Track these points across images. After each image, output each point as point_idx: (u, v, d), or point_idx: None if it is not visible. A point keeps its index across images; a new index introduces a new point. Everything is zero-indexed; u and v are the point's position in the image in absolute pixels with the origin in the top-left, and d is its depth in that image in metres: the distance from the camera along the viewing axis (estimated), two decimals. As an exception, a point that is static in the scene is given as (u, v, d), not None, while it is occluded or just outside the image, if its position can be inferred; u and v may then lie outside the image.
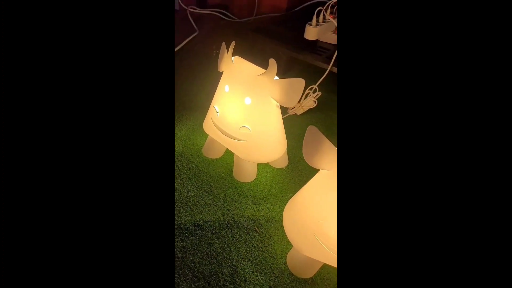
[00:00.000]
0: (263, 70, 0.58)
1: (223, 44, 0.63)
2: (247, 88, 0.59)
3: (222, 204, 0.64)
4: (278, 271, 0.53)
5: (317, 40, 1.05)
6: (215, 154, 0.74)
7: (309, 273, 0.53)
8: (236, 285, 0.51)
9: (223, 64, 0.62)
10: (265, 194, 0.67)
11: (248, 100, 0.59)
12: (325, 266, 0.54)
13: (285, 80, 0.56)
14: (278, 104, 0.60)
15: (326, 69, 0.92)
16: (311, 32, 0.99)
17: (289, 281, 0.52)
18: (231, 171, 0.71)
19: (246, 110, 0.60)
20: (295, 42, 1.03)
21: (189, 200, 0.63)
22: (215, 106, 0.65)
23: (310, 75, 0.93)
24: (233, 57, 0.62)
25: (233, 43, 0.61)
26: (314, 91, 0.89)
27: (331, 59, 0.91)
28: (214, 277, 0.52)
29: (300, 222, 0.49)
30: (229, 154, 0.75)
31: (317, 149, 0.45)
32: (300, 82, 0.55)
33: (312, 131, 0.45)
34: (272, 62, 0.54)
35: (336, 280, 0.53)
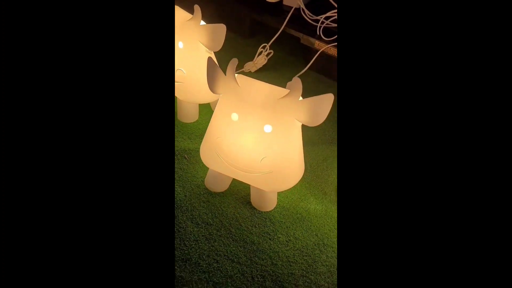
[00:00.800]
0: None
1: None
2: (178, 33, 0.67)
3: (162, 137, 0.74)
4: (196, 186, 0.64)
5: (281, 4, 1.11)
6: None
7: (220, 188, 0.63)
8: (157, 194, 0.62)
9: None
10: (202, 132, 0.77)
11: (180, 44, 0.68)
12: (236, 184, 0.64)
13: (209, 26, 0.64)
14: (208, 50, 0.69)
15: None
16: (271, -7, 1.05)
17: (202, 193, 0.63)
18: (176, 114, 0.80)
19: (179, 53, 0.69)
20: (258, 5, 1.09)
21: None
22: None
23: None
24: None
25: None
26: (266, 50, 0.97)
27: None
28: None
29: (207, 143, 0.59)
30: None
31: (214, 78, 0.54)
32: (221, 27, 0.63)
33: (210, 63, 0.54)
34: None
35: (243, 194, 0.63)
